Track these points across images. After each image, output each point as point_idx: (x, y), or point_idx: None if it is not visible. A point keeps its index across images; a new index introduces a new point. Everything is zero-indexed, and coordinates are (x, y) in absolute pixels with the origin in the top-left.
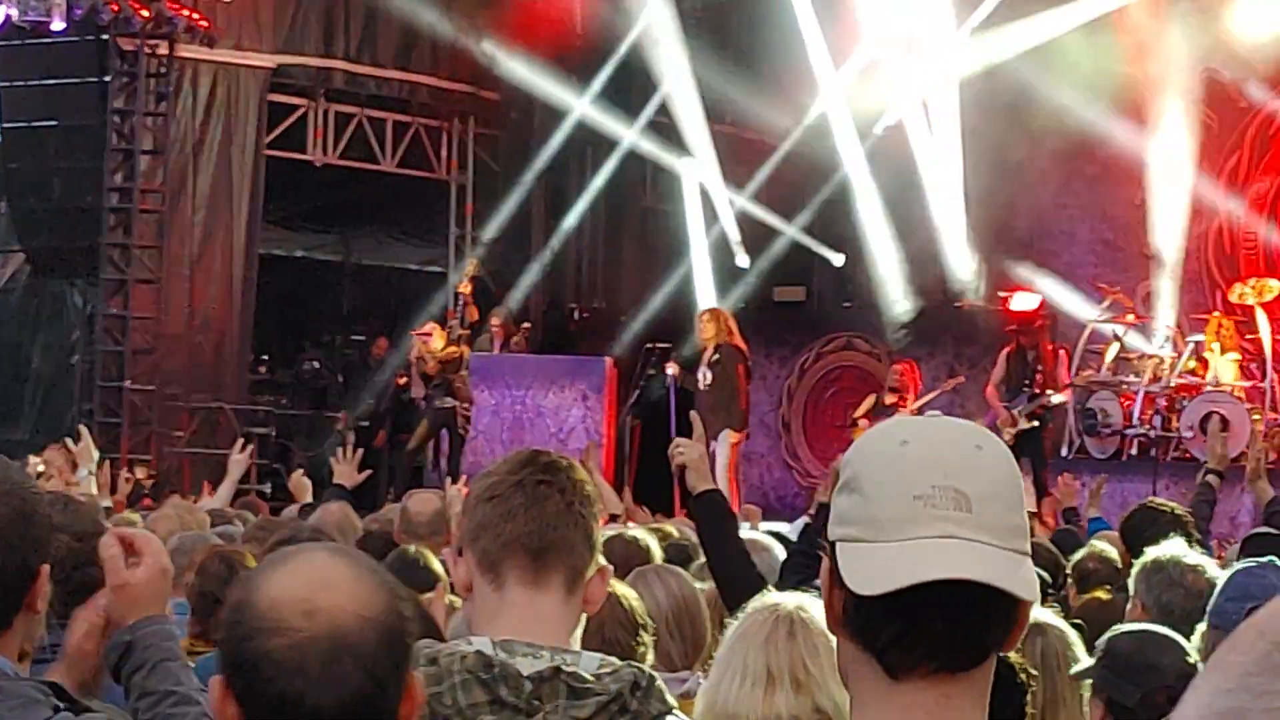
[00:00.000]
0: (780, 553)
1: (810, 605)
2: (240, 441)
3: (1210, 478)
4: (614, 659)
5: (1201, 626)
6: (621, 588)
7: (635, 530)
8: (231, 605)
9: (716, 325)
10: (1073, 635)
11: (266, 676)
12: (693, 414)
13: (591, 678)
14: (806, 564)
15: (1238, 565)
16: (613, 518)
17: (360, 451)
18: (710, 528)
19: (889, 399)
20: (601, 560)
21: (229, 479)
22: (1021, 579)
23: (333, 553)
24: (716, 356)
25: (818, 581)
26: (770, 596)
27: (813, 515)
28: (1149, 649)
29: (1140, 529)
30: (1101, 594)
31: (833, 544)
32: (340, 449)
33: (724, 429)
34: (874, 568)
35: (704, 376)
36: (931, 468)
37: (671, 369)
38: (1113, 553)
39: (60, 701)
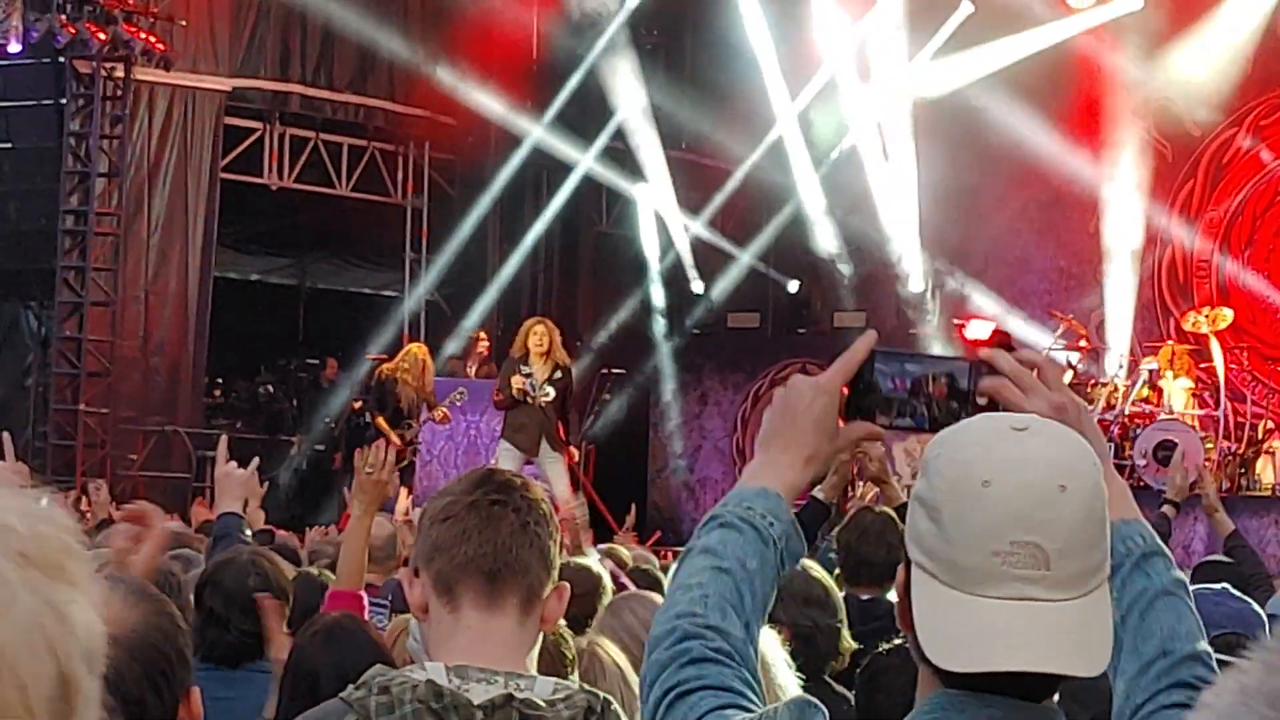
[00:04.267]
0: None
1: None
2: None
3: (1166, 509)
4: (569, 683)
5: None
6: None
7: (586, 559)
8: None
9: (552, 338)
10: None
11: None
12: None
13: (544, 704)
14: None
15: (1192, 589)
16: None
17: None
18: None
19: None
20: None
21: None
22: (1088, 640)
23: None
24: (559, 375)
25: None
26: None
27: (803, 507)
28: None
29: None
30: None
31: (909, 560)
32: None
33: (555, 452)
34: (947, 626)
35: (544, 392)
36: (1012, 520)
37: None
38: None
39: None
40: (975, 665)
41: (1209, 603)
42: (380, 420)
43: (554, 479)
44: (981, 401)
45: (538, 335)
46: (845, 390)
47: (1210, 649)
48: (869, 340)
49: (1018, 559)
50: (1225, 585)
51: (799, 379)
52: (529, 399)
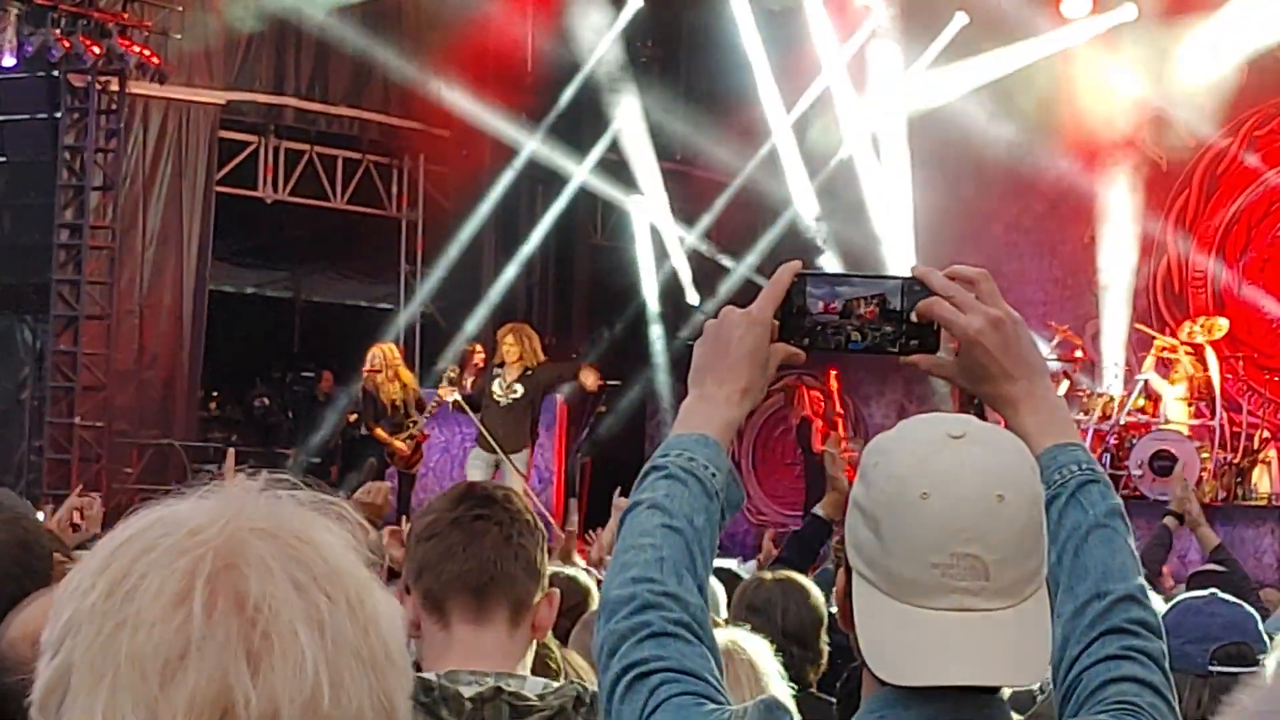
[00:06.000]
0: (720, 590)
1: (741, 639)
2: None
3: (1168, 520)
4: (556, 682)
5: None
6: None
7: (574, 569)
8: None
9: (522, 345)
10: None
11: (10, 713)
12: None
13: (534, 697)
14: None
15: (1178, 600)
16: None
17: None
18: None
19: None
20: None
21: None
22: (1026, 650)
23: None
24: (529, 373)
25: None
26: None
27: (804, 524)
28: None
29: None
30: None
31: (850, 567)
32: None
33: (520, 449)
34: (887, 637)
35: (509, 391)
36: (951, 532)
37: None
38: None
39: None
40: (915, 680)
41: (1202, 614)
42: (379, 431)
43: (511, 478)
44: (915, 319)
45: (507, 345)
46: (777, 320)
47: (1145, 583)
48: (792, 268)
49: (957, 571)
50: (1214, 591)
51: (729, 310)
52: (494, 400)
